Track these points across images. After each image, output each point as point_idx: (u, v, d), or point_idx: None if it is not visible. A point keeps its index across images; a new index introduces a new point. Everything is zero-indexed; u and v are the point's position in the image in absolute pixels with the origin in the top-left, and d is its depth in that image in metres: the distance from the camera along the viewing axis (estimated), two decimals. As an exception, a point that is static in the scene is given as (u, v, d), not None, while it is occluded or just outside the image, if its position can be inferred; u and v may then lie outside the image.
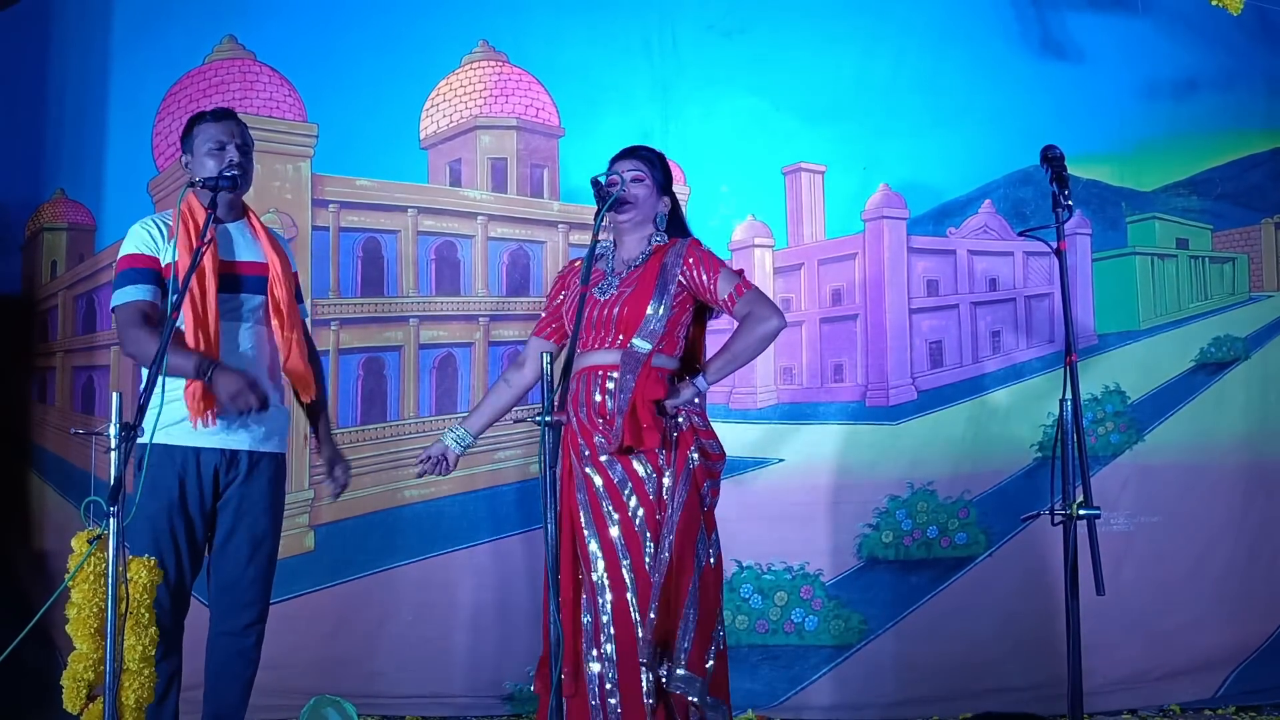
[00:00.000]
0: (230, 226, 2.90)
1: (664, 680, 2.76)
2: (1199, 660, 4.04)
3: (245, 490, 2.85)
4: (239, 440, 2.83)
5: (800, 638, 4.00)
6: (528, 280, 4.11)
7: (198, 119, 2.90)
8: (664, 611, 2.77)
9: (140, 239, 2.83)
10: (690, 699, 2.75)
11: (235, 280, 2.83)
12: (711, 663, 2.82)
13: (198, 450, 2.79)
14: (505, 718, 3.90)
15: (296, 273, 3.10)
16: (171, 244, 2.78)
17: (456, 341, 4.08)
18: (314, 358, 3.05)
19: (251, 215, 2.96)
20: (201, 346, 2.73)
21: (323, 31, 4.08)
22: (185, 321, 2.73)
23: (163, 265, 2.79)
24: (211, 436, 2.79)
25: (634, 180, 2.96)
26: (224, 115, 2.91)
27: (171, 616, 2.78)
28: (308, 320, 3.17)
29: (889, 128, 4.14)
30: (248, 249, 2.89)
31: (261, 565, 2.90)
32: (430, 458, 3.08)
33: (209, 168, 2.82)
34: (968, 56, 4.19)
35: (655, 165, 3.03)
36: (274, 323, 2.86)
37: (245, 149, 2.89)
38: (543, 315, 3.18)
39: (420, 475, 3.12)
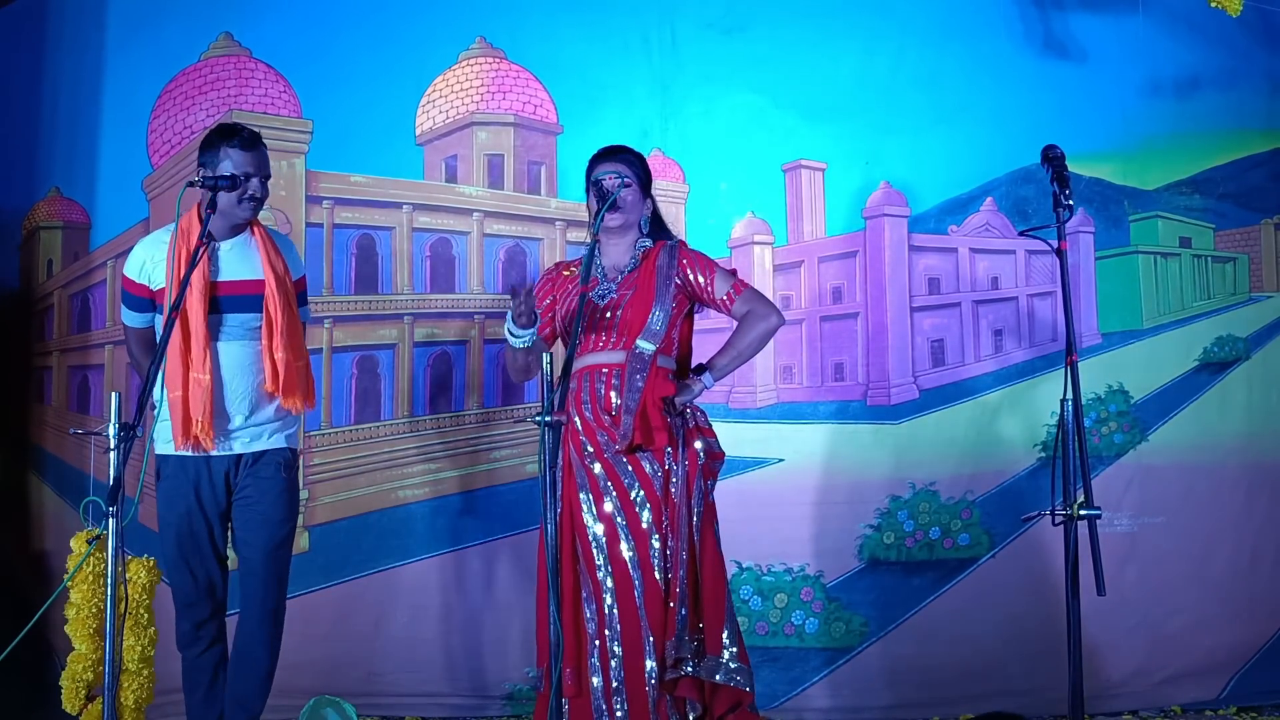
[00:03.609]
0: (225, 244, 2.91)
1: (699, 672, 2.75)
2: (1201, 661, 4.03)
3: (253, 479, 2.94)
4: (243, 447, 2.94)
5: (800, 640, 3.98)
6: (524, 278, 4.07)
7: (226, 139, 2.86)
8: (691, 605, 2.79)
9: (136, 264, 2.93)
10: (746, 688, 2.78)
11: (215, 301, 2.87)
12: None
13: (208, 458, 2.91)
14: (505, 718, 3.88)
15: (303, 276, 3.11)
16: (165, 264, 2.86)
17: (452, 339, 4.06)
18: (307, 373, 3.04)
19: (255, 228, 2.96)
20: (184, 363, 2.82)
21: (318, 28, 4.06)
22: (173, 338, 2.77)
23: (154, 291, 2.90)
24: (219, 447, 2.91)
25: (622, 185, 2.95)
26: (253, 144, 2.88)
27: (211, 609, 2.95)
28: (307, 323, 3.18)
29: (890, 125, 4.11)
30: (241, 267, 2.91)
31: (276, 549, 2.96)
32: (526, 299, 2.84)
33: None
34: (969, 53, 4.18)
35: (639, 167, 3.03)
36: (264, 342, 2.89)
37: (266, 179, 2.92)
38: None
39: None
